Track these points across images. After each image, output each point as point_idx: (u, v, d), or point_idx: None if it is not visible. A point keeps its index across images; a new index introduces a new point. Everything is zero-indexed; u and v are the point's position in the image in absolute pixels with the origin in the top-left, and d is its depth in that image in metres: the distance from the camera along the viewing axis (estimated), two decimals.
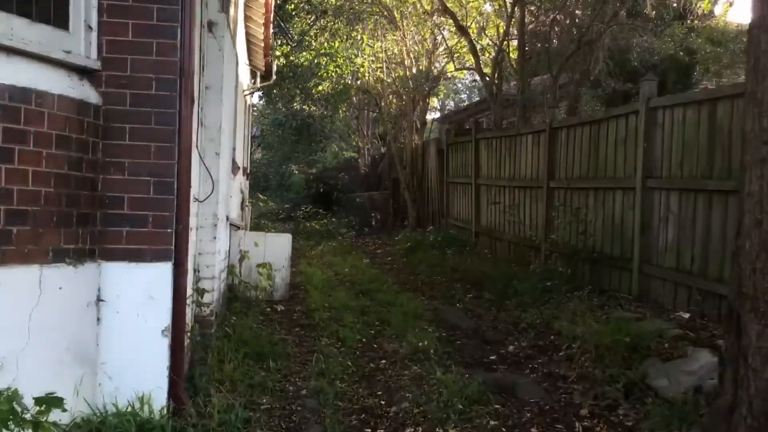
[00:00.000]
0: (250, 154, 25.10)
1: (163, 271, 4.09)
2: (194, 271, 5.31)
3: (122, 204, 4.05)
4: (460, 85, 42.66)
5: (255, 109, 35.62)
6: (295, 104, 25.92)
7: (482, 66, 13.40)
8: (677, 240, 6.58)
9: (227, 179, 6.61)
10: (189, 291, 4.77)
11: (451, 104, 40.82)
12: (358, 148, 22.59)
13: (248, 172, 15.53)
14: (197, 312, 5.31)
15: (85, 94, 3.94)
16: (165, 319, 4.08)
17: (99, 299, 4.01)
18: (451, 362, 5.54)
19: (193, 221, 5.15)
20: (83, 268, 3.90)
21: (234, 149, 10.61)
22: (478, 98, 32.81)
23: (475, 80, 36.91)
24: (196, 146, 5.12)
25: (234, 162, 8.34)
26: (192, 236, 5.15)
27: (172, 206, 4.11)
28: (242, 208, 12.64)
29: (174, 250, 4.12)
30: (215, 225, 5.59)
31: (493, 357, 5.73)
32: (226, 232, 7.01)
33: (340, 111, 23.21)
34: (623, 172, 7.59)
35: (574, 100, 11.63)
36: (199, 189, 5.32)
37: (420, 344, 5.82)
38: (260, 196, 16.21)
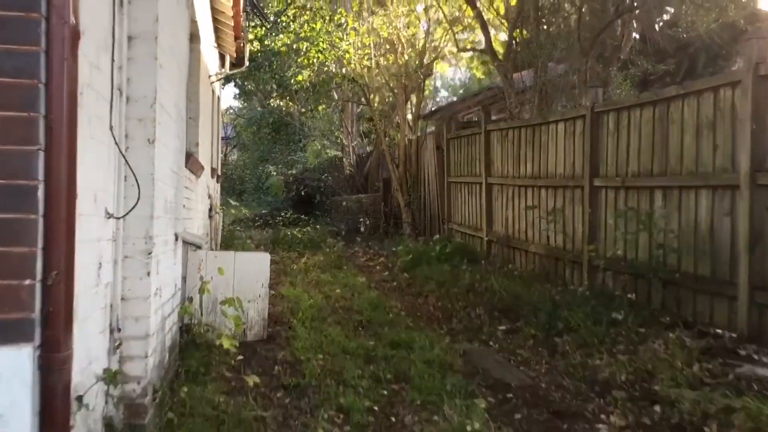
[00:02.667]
0: (223, 154, 22.91)
1: (17, 362, 2.09)
2: (110, 331, 3.30)
3: None
4: (438, 83, 40.86)
5: (231, 111, 33.57)
6: (271, 100, 23.93)
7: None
8: None
9: (174, 181, 4.59)
10: (93, 378, 2.77)
11: (430, 103, 38.94)
12: (342, 146, 20.59)
13: (219, 174, 13.48)
14: (120, 394, 3.30)
15: None
16: None
17: None
18: None
19: (106, 251, 3.14)
20: None
21: (197, 144, 8.58)
22: (454, 97, 30.86)
23: (460, 76, 35.06)
24: (110, 127, 3.12)
25: (190, 157, 6.34)
26: (105, 274, 3.14)
27: (34, 233, 2.13)
28: (210, 216, 10.61)
29: (41, 320, 2.13)
30: (149, 253, 3.58)
31: None
32: (177, 255, 4.99)
33: (320, 108, 21.23)
34: (712, 165, 5.70)
35: (603, 83, 9.75)
36: (117, 197, 3.31)
37: (468, 426, 3.86)
38: (231, 202, 14.14)
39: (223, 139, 38.22)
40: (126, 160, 3.27)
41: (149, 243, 3.58)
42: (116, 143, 3.19)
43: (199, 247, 5.84)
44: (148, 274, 3.58)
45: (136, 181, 3.28)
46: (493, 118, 13.72)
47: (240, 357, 5.56)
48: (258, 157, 27.15)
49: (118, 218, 3.25)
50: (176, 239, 4.70)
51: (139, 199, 3.27)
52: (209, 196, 10.48)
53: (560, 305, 6.63)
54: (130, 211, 3.27)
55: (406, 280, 9.64)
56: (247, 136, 30.96)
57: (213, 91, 11.51)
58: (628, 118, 6.93)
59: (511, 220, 9.76)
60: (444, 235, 12.45)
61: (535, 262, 8.93)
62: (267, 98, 24.37)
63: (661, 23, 10.29)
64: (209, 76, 10.28)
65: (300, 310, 7.28)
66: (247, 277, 6.13)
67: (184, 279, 5.77)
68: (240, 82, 25.90)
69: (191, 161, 6.79)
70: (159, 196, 3.79)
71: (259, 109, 28.17)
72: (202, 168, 8.32)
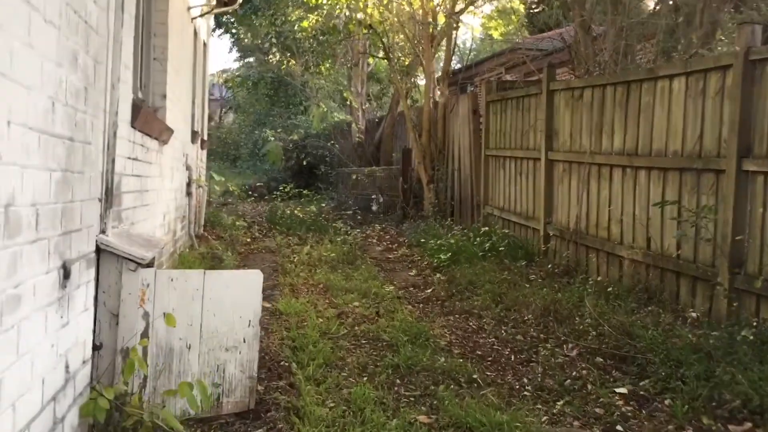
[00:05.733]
0: (218, 117, 20.56)
1: None
2: None
3: None
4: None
5: (227, 72, 30.77)
6: (270, 56, 21.32)
7: None
8: None
9: (47, 153, 2.16)
10: None
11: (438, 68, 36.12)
12: (352, 109, 18.02)
13: (204, 139, 11.04)
14: None
15: None
16: None
17: None
18: None
19: None
20: None
21: (165, 97, 6.16)
22: (459, 65, 27.89)
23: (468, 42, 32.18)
24: None
25: (140, 112, 3.98)
26: None
27: None
28: (188, 193, 8.21)
29: None
30: None
31: None
32: (75, 303, 2.60)
33: (325, 65, 18.63)
34: None
35: (711, 28, 7.29)
36: None
37: None
38: (214, 176, 11.67)
39: (216, 100, 35.58)
40: None
41: None
42: None
43: (140, 264, 3.42)
44: None
45: None
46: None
47: None
48: (254, 120, 24.58)
49: None
50: (66, 276, 2.29)
51: None
52: (187, 168, 8.05)
53: (710, 355, 4.28)
54: None
55: (443, 285, 7.25)
56: (243, 95, 28.37)
57: (196, 33, 9.00)
58: None
59: (585, 210, 7.36)
60: (480, 222, 10.06)
61: (624, 269, 6.55)
62: (265, 54, 21.73)
63: None
64: (188, 9, 7.77)
65: (306, 347, 4.90)
66: (224, 310, 3.74)
67: (115, 318, 3.39)
68: (235, 34, 23.19)
69: (143, 118, 4.36)
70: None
71: (255, 65, 25.52)
72: (170, 131, 5.89)
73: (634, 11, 8.05)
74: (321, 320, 5.76)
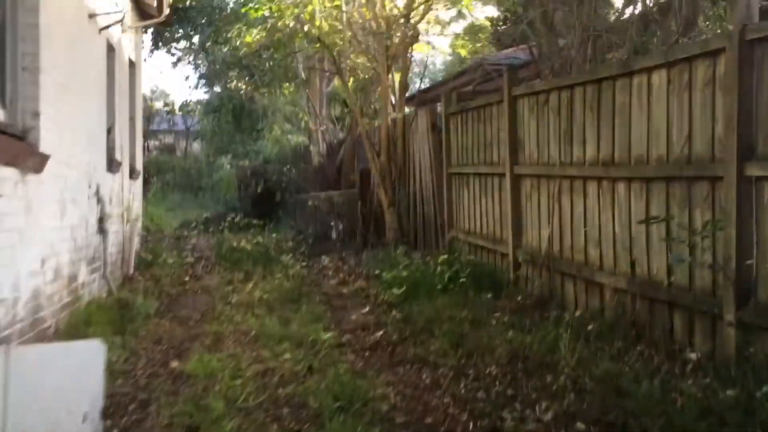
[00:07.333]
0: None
1: None
2: None
3: None
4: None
5: (192, 102, 29.70)
6: (230, 81, 20.36)
7: None
8: None
9: None
10: None
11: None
12: (309, 132, 17.01)
13: (136, 168, 9.95)
14: None
15: None
16: None
17: None
18: None
19: None
20: None
21: (38, 114, 5.11)
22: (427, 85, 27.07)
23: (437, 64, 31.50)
24: None
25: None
26: None
27: None
28: (101, 230, 7.10)
29: None
30: None
31: None
32: None
33: (286, 86, 17.64)
34: None
35: (692, 13, 6.41)
36: None
37: None
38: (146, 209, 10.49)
39: (181, 130, 34.35)
40: None
41: None
42: None
43: None
44: None
45: None
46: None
47: None
48: (215, 148, 23.48)
49: None
50: None
51: None
52: (98, 201, 6.92)
53: (724, 420, 3.24)
54: None
55: (398, 326, 6.15)
56: (207, 125, 27.34)
57: (112, 47, 7.92)
58: None
59: (558, 231, 6.35)
60: (446, 248, 9.02)
61: (606, 300, 5.53)
62: (219, 79, 20.76)
63: None
64: (90, 16, 6.70)
65: (205, 424, 3.78)
66: (43, 401, 2.62)
67: None
68: (193, 60, 22.19)
69: None
70: None
71: (217, 90, 24.51)
72: (39, 156, 4.78)
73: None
74: (238, 382, 4.64)
